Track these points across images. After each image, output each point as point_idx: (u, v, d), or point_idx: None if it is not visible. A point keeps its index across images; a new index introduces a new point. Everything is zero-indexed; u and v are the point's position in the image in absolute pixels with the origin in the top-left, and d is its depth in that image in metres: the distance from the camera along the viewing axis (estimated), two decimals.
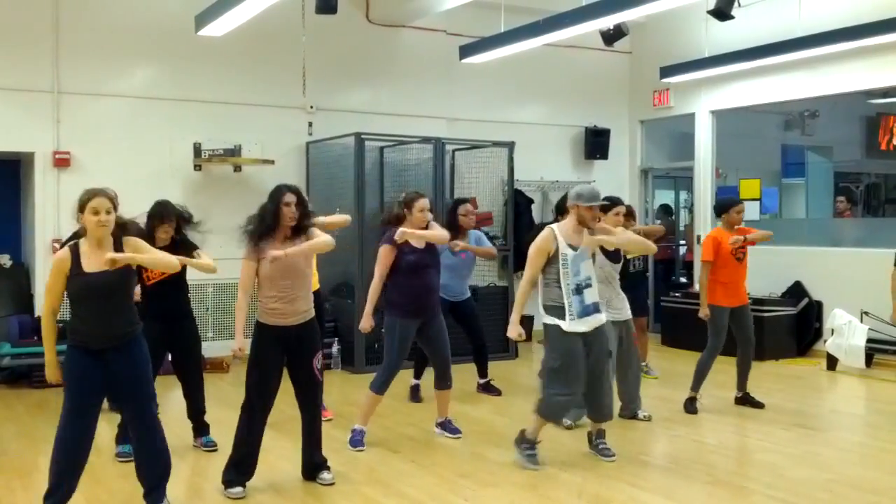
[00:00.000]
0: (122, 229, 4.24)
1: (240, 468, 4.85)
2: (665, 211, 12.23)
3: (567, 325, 5.18)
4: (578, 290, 5.21)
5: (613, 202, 6.18)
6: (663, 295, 10.48)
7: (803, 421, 6.59)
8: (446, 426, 6.10)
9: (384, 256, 5.75)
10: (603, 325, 5.37)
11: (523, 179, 10.28)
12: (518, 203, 10.10)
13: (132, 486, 4.95)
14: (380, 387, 5.81)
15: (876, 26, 7.82)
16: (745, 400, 6.96)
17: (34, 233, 8.42)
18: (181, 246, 5.45)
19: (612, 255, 6.17)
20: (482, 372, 7.55)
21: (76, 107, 8.51)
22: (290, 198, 4.77)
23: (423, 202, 5.73)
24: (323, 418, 5.21)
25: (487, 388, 7.50)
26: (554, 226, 5.35)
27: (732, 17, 8.02)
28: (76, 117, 8.50)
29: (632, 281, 7.54)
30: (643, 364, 8.08)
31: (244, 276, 4.85)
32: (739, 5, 7.87)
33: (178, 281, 5.53)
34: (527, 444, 5.37)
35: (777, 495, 4.78)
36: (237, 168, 9.12)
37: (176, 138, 8.86)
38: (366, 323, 5.83)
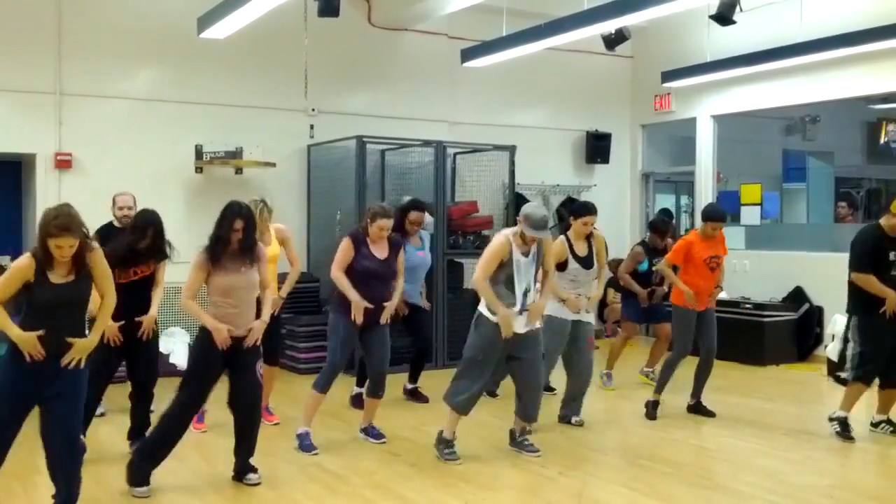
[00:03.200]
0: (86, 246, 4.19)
1: (155, 463, 4.93)
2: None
3: (495, 318, 5.31)
4: (525, 293, 5.39)
5: (587, 210, 6.30)
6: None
7: (804, 426, 6.59)
8: (369, 432, 6.07)
9: (342, 249, 5.80)
10: (538, 332, 5.54)
11: (524, 183, 10.28)
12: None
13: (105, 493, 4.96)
14: (323, 386, 5.83)
15: (876, 32, 7.82)
16: (696, 408, 6.83)
17: (35, 234, 8.41)
18: (155, 253, 5.57)
19: (584, 261, 6.28)
20: (413, 377, 7.44)
21: (78, 108, 8.52)
22: (238, 224, 4.96)
23: (385, 223, 5.75)
24: (268, 422, 5.51)
25: (414, 395, 7.41)
26: (508, 232, 5.47)
27: (734, 22, 8.02)
28: (78, 119, 8.51)
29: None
30: (649, 371, 8.10)
31: (193, 283, 5.01)
32: (741, 10, 7.88)
33: (147, 283, 5.59)
34: (443, 444, 5.55)
35: (777, 500, 4.78)
36: (238, 170, 9.13)
37: (177, 140, 8.86)
38: (359, 308, 5.69)
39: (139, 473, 4.88)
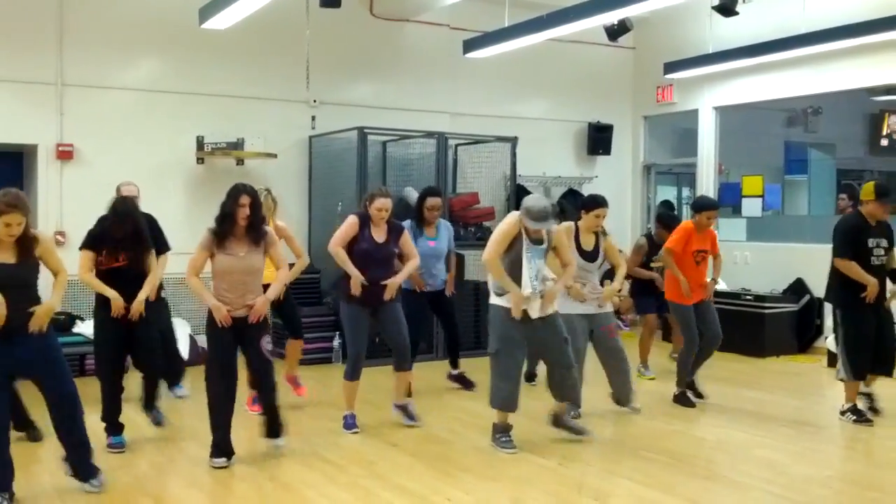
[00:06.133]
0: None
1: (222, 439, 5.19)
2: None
3: (526, 290, 5.31)
4: (535, 279, 5.40)
5: (598, 202, 6.26)
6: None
7: (804, 417, 6.60)
8: (406, 409, 6.17)
9: (347, 224, 5.87)
10: (555, 315, 5.54)
11: (526, 175, 10.28)
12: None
13: (129, 477, 4.99)
14: (351, 374, 5.95)
15: (879, 23, 7.79)
16: (689, 385, 6.90)
17: (37, 225, 8.42)
18: (137, 243, 5.58)
19: (589, 255, 6.23)
20: (454, 363, 7.51)
21: (79, 99, 8.52)
22: (244, 199, 5.08)
23: (383, 202, 5.83)
24: (297, 395, 6.04)
25: (461, 380, 7.46)
26: (517, 213, 5.47)
27: (737, 13, 8.01)
28: (79, 110, 8.51)
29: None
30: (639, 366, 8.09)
31: (195, 260, 5.14)
32: (744, 1, 7.87)
33: (135, 272, 5.57)
34: (498, 432, 5.55)
35: (776, 491, 4.79)
36: (240, 161, 9.13)
37: (179, 131, 8.86)
38: (356, 282, 5.76)
39: (214, 449, 5.18)
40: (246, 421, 6.17)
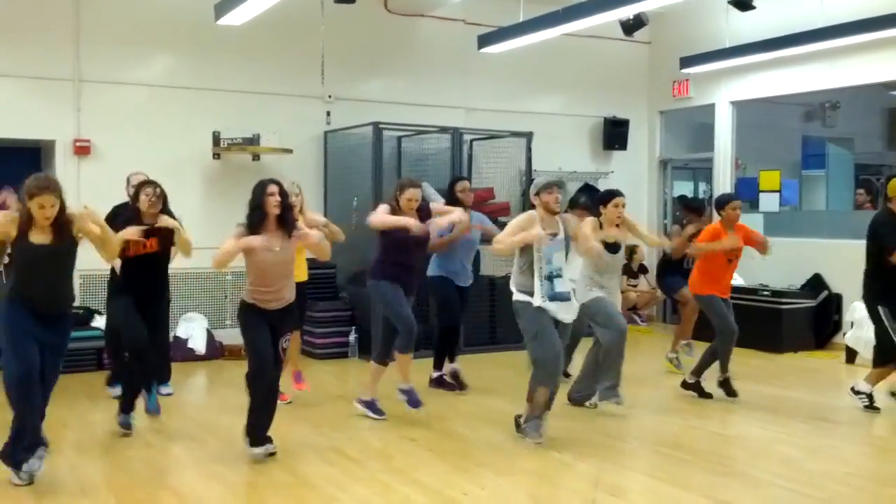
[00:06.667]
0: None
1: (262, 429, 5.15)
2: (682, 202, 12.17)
3: (536, 301, 5.36)
4: (549, 277, 5.40)
5: (614, 192, 6.29)
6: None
7: (821, 414, 6.56)
8: (409, 394, 6.19)
9: (380, 210, 5.97)
10: (569, 324, 5.56)
11: (541, 170, 10.21)
12: None
13: (148, 471, 5.02)
14: (405, 348, 6.00)
15: None
16: (693, 387, 6.94)
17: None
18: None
19: (612, 247, 6.22)
20: (450, 358, 7.33)
21: (96, 95, 8.56)
22: (272, 188, 5.09)
23: (413, 192, 5.93)
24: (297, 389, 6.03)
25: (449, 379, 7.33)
26: (533, 212, 5.49)
27: (753, 7, 7.97)
28: (96, 105, 8.56)
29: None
30: (673, 356, 8.12)
31: (227, 253, 5.02)
32: None
33: (159, 259, 5.70)
34: (533, 418, 5.52)
35: (794, 488, 4.76)
36: (255, 157, 9.15)
37: (195, 127, 8.89)
38: (411, 223, 5.80)
39: (252, 437, 5.14)
40: None
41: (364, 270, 8.98)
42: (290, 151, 9.09)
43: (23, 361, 4.50)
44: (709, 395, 6.87)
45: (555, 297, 5.39)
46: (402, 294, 6.01)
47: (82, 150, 8.48)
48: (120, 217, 5.67)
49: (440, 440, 5.72)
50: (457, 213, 6.17)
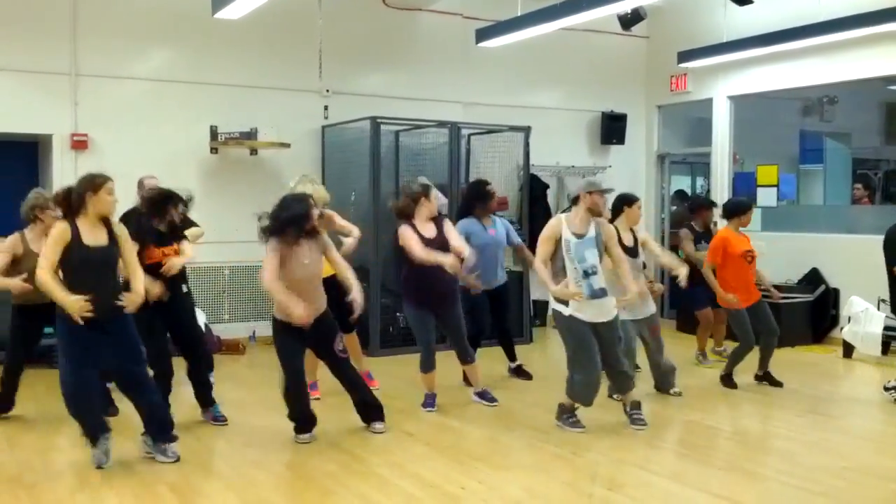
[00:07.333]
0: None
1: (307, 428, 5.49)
2: (680, 197, 12.16)
3: (570, 308, 5.46)
4: (586, 275, 5.47)
5: (634, 196, 6.52)
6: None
7: (819, 408, 6.57)
8: (484, 395, 6.46)
9: (411, 235, 5.93)
10: (614, 318, 5.63)
11: (539, 164, 10.25)
12: (533, 188, 10.05)
13: (147, 466, 5.02)
14: (424, 366, 6.24)
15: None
16: (765, 377, 7.16)
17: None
18: (174, 230, 5.72)
19: (631, 251, 6.28)
20: (511, 356, 7.55)
21: (94, 89, 8.54)
22: (316, 212, 5.28)
23: (435, 192, 6.11)
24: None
25: (518, 372, 7.51)
26: (561, 215, 5.63)
27: (751, 2, 7.96)
28: (94, 100, 8.54)
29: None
30: (721, 350, 8.32)
31: (273, 268, 5.13)
32: None
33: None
34: (566, 413, 5.70)
35: (791, 482, 4.78)
36: (253, 151, 9.14)
37: (192, 121, 8.88)
38: (447, 260, 5.80)
39: (297, 429, 5.46)
40: (261, 412, 6.22)
41: (361, 266, 9.03)
42: (287, 146, 9.08)
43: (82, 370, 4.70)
44: (779, 384, 7.09)
45: (594, 294, 5.46)
46: (424, 315, 6.14)
47: (79, 144, 8.47)
48: (131, 227, 5.54)
49: (438, 434, 5.73)
50: (449, 259, 5.86)
